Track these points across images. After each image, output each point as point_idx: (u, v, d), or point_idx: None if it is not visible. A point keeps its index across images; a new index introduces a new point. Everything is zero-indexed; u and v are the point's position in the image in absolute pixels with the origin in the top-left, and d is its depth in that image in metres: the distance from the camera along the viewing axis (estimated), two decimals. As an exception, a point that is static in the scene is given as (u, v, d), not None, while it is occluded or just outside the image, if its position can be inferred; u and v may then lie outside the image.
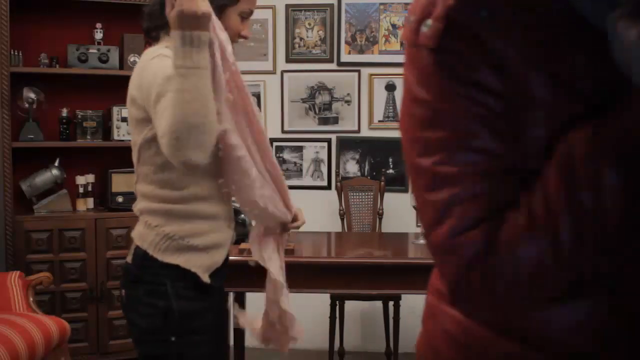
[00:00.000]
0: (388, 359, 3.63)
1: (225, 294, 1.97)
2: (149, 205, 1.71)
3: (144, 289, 1.69)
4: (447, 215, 0.72)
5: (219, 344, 1.83)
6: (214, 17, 1.54)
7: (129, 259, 1.74)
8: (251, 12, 1.80)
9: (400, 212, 3.86)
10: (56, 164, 3.70)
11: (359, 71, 4.03)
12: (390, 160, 3.99)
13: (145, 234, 1.71)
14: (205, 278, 1.70)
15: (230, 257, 2.14)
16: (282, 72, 4.06)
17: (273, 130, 4.07)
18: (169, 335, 1.67)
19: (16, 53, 3.56)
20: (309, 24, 4.05)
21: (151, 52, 1.70)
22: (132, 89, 1.68)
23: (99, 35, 3.77)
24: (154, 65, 1.62)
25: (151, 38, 1.81)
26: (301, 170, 4.07)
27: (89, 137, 3.74)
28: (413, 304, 3.85)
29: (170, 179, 1.67)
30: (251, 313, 2.11)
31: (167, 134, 1.46)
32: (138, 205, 1.75)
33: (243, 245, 2.55)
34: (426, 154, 0.74)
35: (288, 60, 4.06)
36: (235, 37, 1.77)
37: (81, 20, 3.78)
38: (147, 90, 1.59)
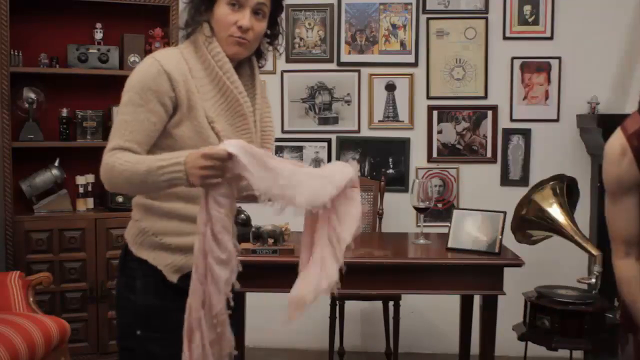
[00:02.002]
0: (388, 359, 3.63)
1: None
2: (136, 199, 1.75)
3: (122, 282, 1.73)
4: None
5: None
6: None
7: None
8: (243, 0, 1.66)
9: (400, 212, 3.86)
10: (56, 164, 3.70)
11: (359, 71, 4.02)
12: (390, 160, 3.99)
13: (129, 227, 1.75)
14: (172, 278, 1.68)
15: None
16: (282, 72, 4.05)
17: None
18: (135, 329, 1.68)
19: (16, 53, 3.56)
20: (309, 24, 4.05)
21: (159, 51, 1.73)
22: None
23: (99, 35, 3.77)
24: (140, 66, 1.66)
25: (185, 36, 1.74)
26: (301, 170, 4.07)
27: (89, 137, 3.74)
28: (413, 303, 3.86)
29: None
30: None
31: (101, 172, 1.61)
32: (133, 199, 1.79)
33: (243, 245, 2.54)
34: None
35: (288, 60, 4.05)
36: (230, 26, 1.67)
37: (81, 20, 3.78)
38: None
